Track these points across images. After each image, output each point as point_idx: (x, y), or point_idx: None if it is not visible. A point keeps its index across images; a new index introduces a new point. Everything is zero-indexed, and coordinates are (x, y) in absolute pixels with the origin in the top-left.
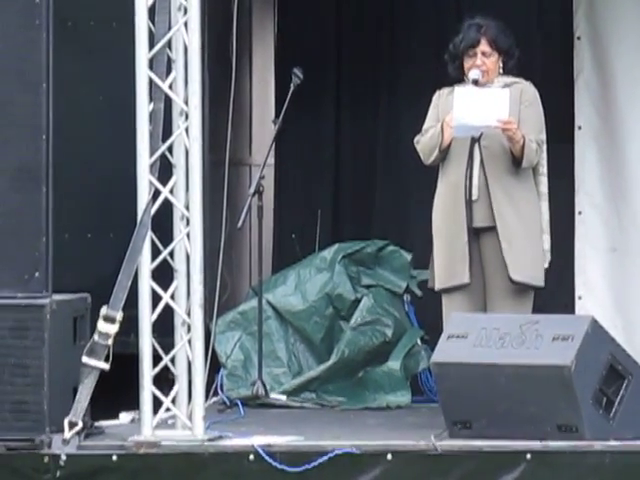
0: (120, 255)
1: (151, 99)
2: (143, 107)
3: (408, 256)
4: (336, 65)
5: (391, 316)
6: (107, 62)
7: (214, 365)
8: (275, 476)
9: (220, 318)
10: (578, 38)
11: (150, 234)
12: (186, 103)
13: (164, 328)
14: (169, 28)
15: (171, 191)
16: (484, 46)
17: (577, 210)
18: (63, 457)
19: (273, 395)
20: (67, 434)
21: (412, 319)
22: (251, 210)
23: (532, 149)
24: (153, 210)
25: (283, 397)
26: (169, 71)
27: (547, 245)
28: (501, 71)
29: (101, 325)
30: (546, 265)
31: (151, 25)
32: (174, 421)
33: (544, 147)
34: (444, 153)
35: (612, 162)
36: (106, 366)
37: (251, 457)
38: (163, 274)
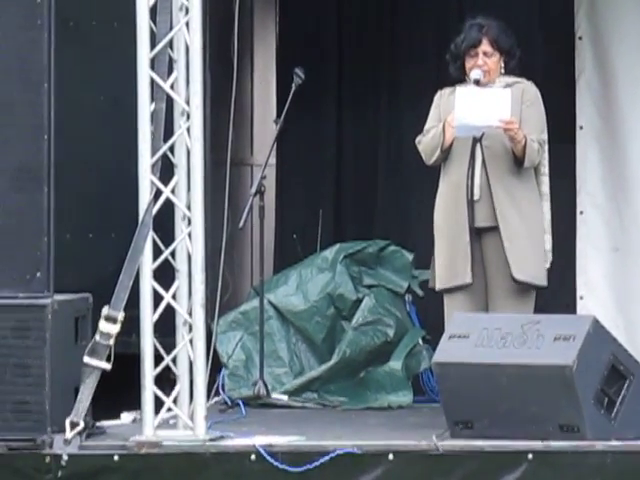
0: (122, 255)
1: (152, 99)
2: (145, 107)
3: (410, 256)
4: (337, 65)
5: (393, 316)
6: (109, 62)
7: (215, 365)
8: (277, 476)
9: (222, 318)
10: (579, 38)
11: (152, 234)
12: (187, 103)
13: (166, 328)
14: (170, 28)
15: (172, 191)
16: (486, 46)
17: (579, 210)
18: (65, 457)
19: (274, 395)
20: (69, 434)
21: (414, 319)
22: (252, 210)
23: (534, 149)
24: (154, 210)
25: (284, 397)
26: (170, 71)
27: (549, 245)
28: (502, 71)
29: (103, 325)
30: (547, 265)
31: (152, 25)
32: (175, 421)
33: (546, 147)
34: (446, 153)
35: (614, 162)
36: (108, 366)
37: (253, 457)
38: (165, 274)
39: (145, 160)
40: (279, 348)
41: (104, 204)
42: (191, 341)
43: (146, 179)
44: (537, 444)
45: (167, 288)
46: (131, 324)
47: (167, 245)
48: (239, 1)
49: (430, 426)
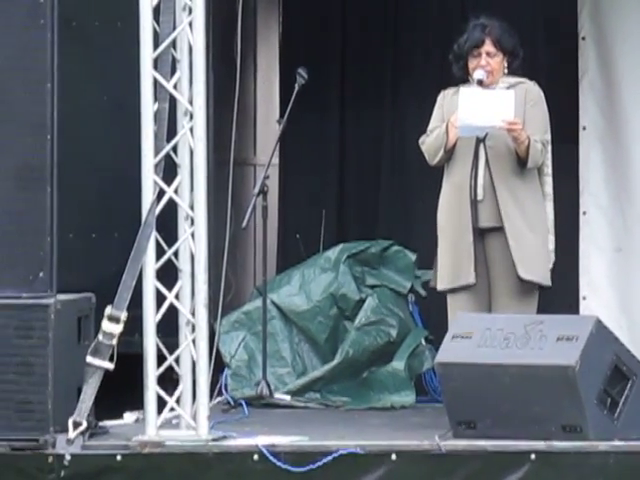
0: (125, 255)
1: (156, 99)
2: (148, 107)
3: (412, 256)
4: (340, 65)
5: (395, 316)
6: (112, 62)
7: (218, 365)
8: (279, 476)
9: (224, 318)
10: (583, 38)
11: (155, 234)
12: (191, 103)
13: (168, 328)
14: (174, 28)
15: (176, 191)
16: (488, 46)
17: (582, 210)
18: (67, 457)
19: (277, 395)
20: (71, 434)
21: (416, 319)
22: (256, 210)
23: (537, 149)
24: (158, 210)
25: (287, 397)
26: (174, 71)
27: (551, 245)
28: (506, 71)
29: (105, 325)
30: (550, 265)
31: (156, 25)
32: (178, 421)
33: (549, 147)
34: (449, 153)
35: (617, 162)
36: (110, 366)
37: (255, 457)
38: (167, 274)
39: (148, 160)
40: (282, 348)
41: (107, 204)
42: (194, 341)
43: (149, 179)
44: (540, 444)
45: (170, 288)
46: (134, 324)
47: (170, 245)
48: (242, 1)
49: (433, 426)
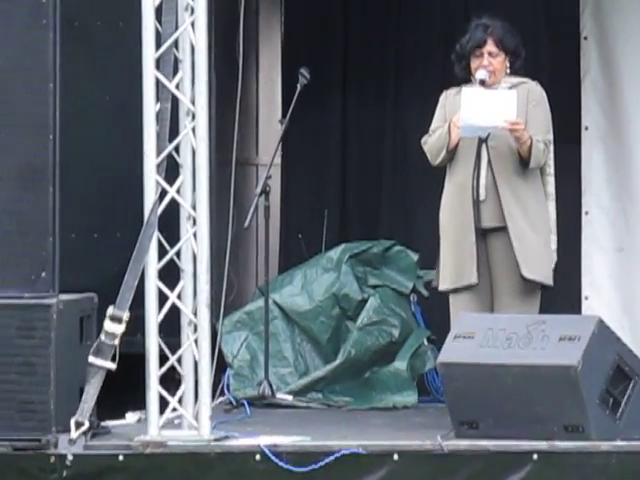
0: (127, 255)
1: (158, 99)
2: (150, 107)
3: (415, 256)
4: (343, 65)
5: (398, 316)
6: (114, 62)
7: (220, 365)
8: (281, 476)
9: (227, 318)
10: (585, 38)
11: (157, 234)
12: (193, 103)
13: (171, 328)
14: (176, 28)
15: (178, 191)
16: (491, 46)
17: (584, 210)
18: (69, 457)
19: (279, 395)
20: (73, 434)
21: (418, 319)
22: (258, 210)
23: (539, 149)
24: (160, 210)
25: (289, 397)
26: (176, 71)
27: (554, 245)
28: (508, 71)
29: (108, 325)
30: (552, 265)
31: (158, 25)
32: (180, 421)
33: (551, 147)
34: (451, 154)
35: (619, 162)
36: (113, 366)
37: (257, 457)
38: (170, 274)
39: (150, 160)
40: (284, 348)
41: (109, 204)
42: (196, 341)
43: (151, 179)
44: (542, 444)
45: (172, 288)
46: (136, 324)
47: (172, 245)
48: (244, 1)
49: (435, 426)
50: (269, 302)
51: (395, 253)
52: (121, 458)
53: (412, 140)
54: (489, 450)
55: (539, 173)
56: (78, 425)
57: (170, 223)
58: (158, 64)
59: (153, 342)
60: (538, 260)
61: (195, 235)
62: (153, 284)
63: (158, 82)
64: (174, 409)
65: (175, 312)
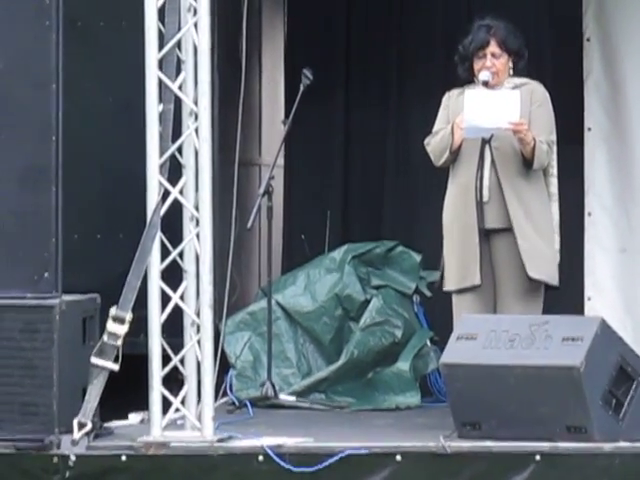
0: (129, 256)
1: (161, 100)
2: (153, 108)
3: (417, 257)
4: (345, 66)
5: (400, 317)
6: (117, 63)
7: (223, 366)
8: (284, 477)
9: (229, 319)
10: (588, 39)
11: (159, 235)
12: (196, 104)
13: (173, 328)
14: (179, 29)
15: (181, 192)
16: (494, 47)
17: (587, 211)
18: (72, 458)
19: (282, 396)
20: (76, 435)
21: (421, 320)
22: (261, 210)
23: (543, 150)
24: (163, 211)
25: (292, 398)
26: (179, 72)
27: (557, 246)
28: (511, 72)
29: (110, 325)
30: (557, 266)
31: (161, 26)
32: (183, 422)
33: (554, 148)
34: (455, 155)
35: (622, 163)
36: (115, 367)
37: (260, 458)
38: (172, 275)
39: (153, 161)
40: (287, 349)
41: (112, 205)
42: (199, 342)
43: (154, 179)
44: (545, 445)
45: (175, 289)
46: (139, 324)
47: (175, 246)
48: (247, 2)
49: (438, 427)
50: (272, 303)
51: (398, 254)
52: (124, 459)
53: (415, 141)
54: (492, 451)
55: (542, 174)
56: (81, 426)
57: (173, 224)
58: (161, 65)
59: (156, 343)
60: (543, 260)
61: (198, 236)
62: (156, 285)
63: (161, 83)
64: (177, 410)
65: (178, 313)
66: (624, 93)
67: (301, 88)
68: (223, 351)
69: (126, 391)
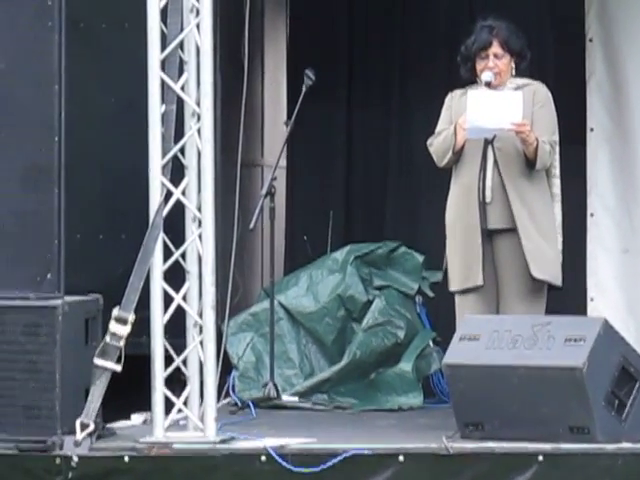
0: (132, 256)
1: (163, 100)
2: (155, 108)
3: (420, 258)
4: (348, 66)
5: (403, 318)
6: (119, 63)
7: (226, 366)
8: (287, 477)
9: (232, 319)
10: (590, 40)
11: (162, 235)
12: (198, 104)
13: (176, 329)
14: (181, 30)
15: (183, 192)
16: (496, 48)
17: (589, 212)
18: (75, 458)
19: (285, 397)
20: (79, 435)
21: (424, 321)
22: (263, 211)
23: (545, 151)
24: (165, 211)
25: (295, 399)
26: (181, 73)
27: (559, 246)
28: (513, 72)
29: (113, 326)
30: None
31: (163, 27)
32: (186, 422)
33: (557, 148)
34: (457, 155)
35: (624, 164)
36: (118, 367)
37: (263, 458)
38: (175, 275)
39: (156, 161)
40: (289, 349)
41: (114, 205)
42: (201, 342)
43: (157, 180)
44: (547, 446)
45: (177, 289)
46: (141, 325)
47: (177, 246)
48: (250, 2)
49: (440, 428)
50: (274, 303)
51: (400, 254)
52: (126, 459)
53: (417, 141)
54: (494, 451)
55: (545, 175)
56: (83, 426)
57: (175, 224)
58: (163, 65)
59: (158, 343)
60: (547, 261)
61: (200, 236)
62: (158, 286)
63: (163, 83)
64: (179, 410)
65: (180, 314)
66: (626, 93)
67: (303, 89)
68: (226, 352)
69: (129, 392)
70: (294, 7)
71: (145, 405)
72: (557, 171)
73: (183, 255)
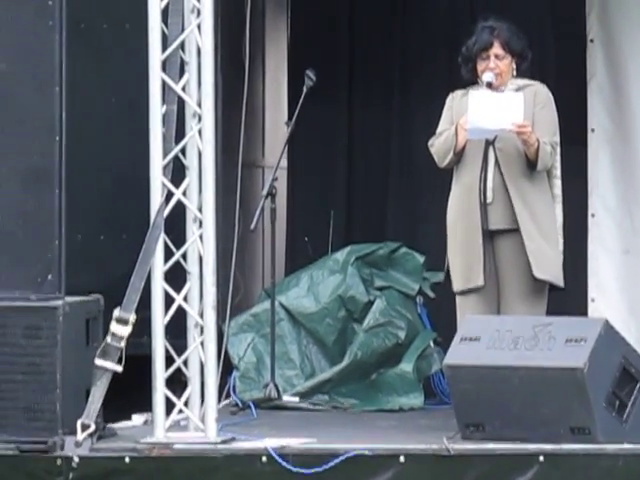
0: (133, 257)
1: (164, 101)
2: (156, 109)
3: (421, 258)
4: (349, 67)
5: (404, 318)
6: (120, 64)
7: (227, 367)
8: (287, 478)
9: (233, 320)
10: (591, 41)
11: (163, 236)
12: (199, 105)
13: (177, 330)
14: (182, 30)
15: (184, 193)
16: (497, 49)
17: (590, 212)
18: (75, 459)
19: (286, 397)
20: (80, 436)
21: (425, 321)
22: (264, 212)
23: (547, 152)
24: (166, 212)
25: (296, 399)
26: (182, 73)
27: (560, 247)
28: (514, 73)
29: (114, 327)
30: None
31: (164, 27)
32: (187, 423)
33: (558, 149)
34: (459, 156)
35: (625, 164)
36: (119, 368)
37: (264, 459)
38: (176, 276)
39: (156, 162)
40: (290, 350)
41: (115, 206)
42: (202, 343)
43: (157, 181)
44: (548, 446)
45: (178, 290)
46: (142, 326)
47: (178, 247)
48: (251, 3)
49: (441, 428)
50: (275, 304)
51: (401, 255)
52: (127, 460)
53: (418, 141)
54: (495, 452)
55: (546, 175)
56: (84, 427)
57: (176, 225)
58: (164, 66)
59: (159, 344)
60: (548, 261)
61: (201, 237)
62: (159, 286)
63: (164, 84)
64: (180, 411)
65: (181, 314)
66: (627, 94)
67: (304, 89)
68: (226, 352)
69: (129, 392)
70: (295, 8)
71: (146, 406)
72: (558, 172)
73: (184, 255)
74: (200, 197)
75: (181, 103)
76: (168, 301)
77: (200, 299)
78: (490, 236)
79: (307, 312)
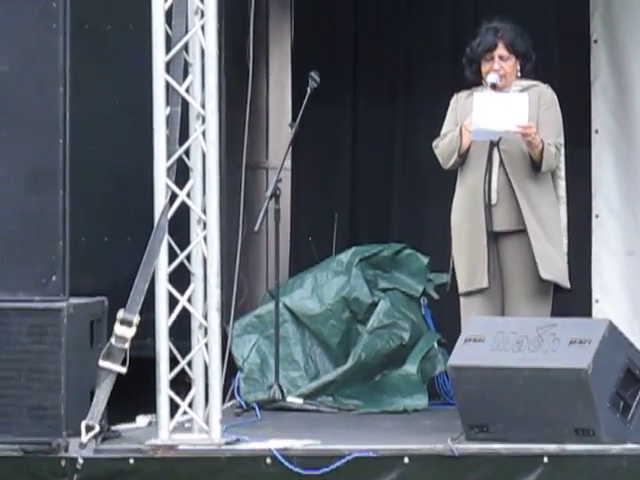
0: (137, 258)
1: (168, 103)
2: (160, 110)
3: (425, 259)
4: (353, 68)
5: (408, 319)
6: (124, 65)
7: (231, 368)
8: (292, 479)
9: (237, 321)
10: (595, 41)
11: (167, 237)
12: (203, 107)
13: (181, 331)
14: (186, 31)
15: (188, 195)
16: (501, 50)
17: (594, 213)
18: (80, 461)
19: (290, 399)
20: (84, 438)
21: (429, 322)
22: (268, 213)
23: (551, 153)
24: (170, 213)
25: (300, 401)
26: (186, 75)
27: (564, 248)
28: (519, 74)
29: (118, 328)
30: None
31: (168, 28)
32: (191, 425)
33: (562, 150)
34: (463, 157)
35: (629, 165)
36: (123, 369)
37: (268, 461)
38: (180, 277)
39: (160, 164)
40: (294, 352)
41: (119, 207)
42: (206, 344)
43: (161, 182)
44: (552, 447)
45: (182, 291)
46: (146, 327)
47: (182, 249)
48: (254, 4)
49: (446, 429)
50: (279, 305)
51: (405, 256)
52: (132, 462)
53: (423, 142)
54: (500, 453)
55: (551, 177)
56: (89, 429)
57: (180, 226)
58: (168, 68)
59: (163, 346)
60: (554, 262)
61: (205, 239)
62: (163, 287)
63: (168, 86)
64: (184, 413)
65: (185, 316)
66: (631, 95)
67: (308, 91)
68: (230, 354)
69: (134, 394)
70: (299, 9)
71: (150, 407)
72: (562, 173)
73: (188, 257)
74: (204, 198)
75: (185, 105)
76: (172, 302)
77: (204, 300)
78: (494, 237)
79: (311, 313)
